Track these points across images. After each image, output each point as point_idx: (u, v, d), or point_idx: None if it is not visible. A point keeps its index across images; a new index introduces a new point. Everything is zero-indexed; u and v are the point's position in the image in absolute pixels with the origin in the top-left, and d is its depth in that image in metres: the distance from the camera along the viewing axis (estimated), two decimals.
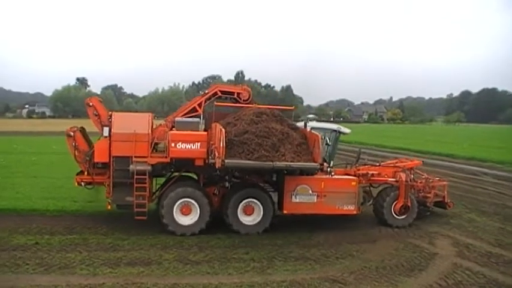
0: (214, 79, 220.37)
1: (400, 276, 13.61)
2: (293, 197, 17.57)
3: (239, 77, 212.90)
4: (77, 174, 17.90)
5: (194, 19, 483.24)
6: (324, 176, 18.03)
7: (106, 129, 17.02)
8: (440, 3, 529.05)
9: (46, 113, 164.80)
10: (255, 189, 17.92)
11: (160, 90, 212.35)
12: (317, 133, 16.81)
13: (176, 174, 18.22)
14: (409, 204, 18.78)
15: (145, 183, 16.54)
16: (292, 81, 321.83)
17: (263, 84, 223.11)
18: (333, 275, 13.43)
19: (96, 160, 17.17)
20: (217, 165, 15.54)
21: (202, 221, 17.11)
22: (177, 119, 18.03)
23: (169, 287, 12.26)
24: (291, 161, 15.92)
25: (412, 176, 20.34)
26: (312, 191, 17.62)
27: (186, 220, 17.08)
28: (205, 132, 17.20)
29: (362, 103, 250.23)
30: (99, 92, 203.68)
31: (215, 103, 18.97)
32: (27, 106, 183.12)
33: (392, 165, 20.96)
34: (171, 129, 17.44)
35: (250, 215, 17.55)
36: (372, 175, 19.67)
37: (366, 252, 15.72)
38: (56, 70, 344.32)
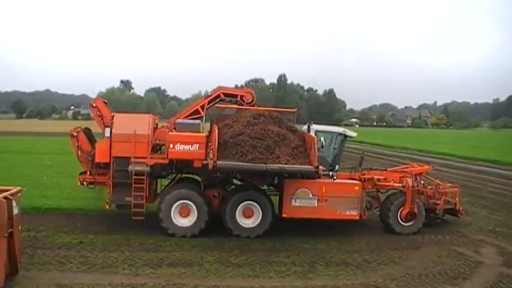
0: (256, 82, 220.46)
1: (444, 285, 13.31)
2: (293, 200, 17.27)
3: (281, 80, 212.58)
4: (80, 174, 18.19)
5: (238, 22, 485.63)
6: (326, 180, 17.79)
7: (107, 130, 17.20)
8: (488, 4, 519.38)
9: (91, 114, 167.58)
10: (253, 192, 17.69)
11: (203, 93, 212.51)
12: (313, 135, 16.87)
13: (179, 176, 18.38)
14: (416, 210, 18.25)
15: (143, 183, 16.63)
16: (335, 84, 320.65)
17: (306, 87, 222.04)
18: (375, 281, 13.26)
19: (97, 160, 17.36)
20: (210, 166, 15.80)
21: (201, 221, 17.03)
22: (177, 120, 18.27)
23: None
24: (285, 164, 15.87)
25: (422, 181, 19.91)
26: (313, 195, 17.27)
27: (185, 222, 17.05)
28: (204, 134, 17.17)
29: (406, 107, 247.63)
30: (142, 95, 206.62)
31: (216, 105, 19.19)
32: (72, 108, 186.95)
33: (399, 170, 20.57)
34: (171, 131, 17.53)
35: (249, 218, 17.36)
36: (378, 180, 19.28)
37: (409, 259, 15.46)
38: (101, 72, 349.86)
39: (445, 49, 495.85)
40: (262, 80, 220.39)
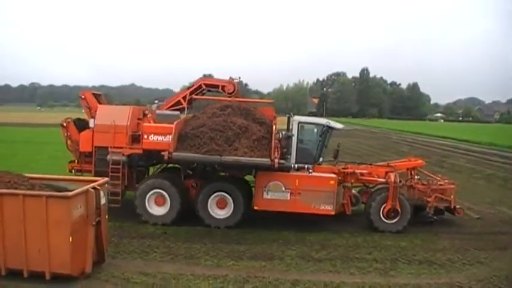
0: (338, 76, 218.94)
1: None
2: (265, 193, 17.02)
3: (364, 74, 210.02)
4: (69, 162, 18.98)
5: (319, 16, 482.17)
6: (299, 173, 17.34)
7: (92, 121, 17.93)
8: None
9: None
10: (225, 183, 17.66)
11: (284, 87, 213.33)
12: (275, 128, 16.51)
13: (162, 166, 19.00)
14: (398, 207, 17.35)
15: (119, 172, 17.21)
16: (419, 78, 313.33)
17: (389, 81, 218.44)
18: (459, 282, 12.82)
19: (81, 150, 18.20)
20: (165, 158, 16.18)
21: (172, 211, 17.23)
22: (157, 111, 18.79)
23: (291, 283, 12.24)
24: (241, 156, 15.77)
25: (418, 177, 19.07)
26: (285, 188, 16.91)
27: (160, 210, 17.26)
28: (173, 125, 17.05)
29: (493, 102, 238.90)
30: None
31: (193, 96, 19.50)
32: (156, 101, 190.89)
33: (385, 165, 19.53)
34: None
35: (223, 209, 17.31)
36: (361, 174, 18.47)
37: (496, 260, 14.83)
38: (184, 67, 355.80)
39: None
40: (344, 74, 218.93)
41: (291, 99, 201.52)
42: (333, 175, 17.38)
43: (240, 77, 20.59)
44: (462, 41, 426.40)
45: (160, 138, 16.73)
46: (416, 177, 19.01)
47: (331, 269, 13.40)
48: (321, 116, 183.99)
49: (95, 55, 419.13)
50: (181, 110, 19.55)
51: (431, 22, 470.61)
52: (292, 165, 17.46)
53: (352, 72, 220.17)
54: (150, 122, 17.69)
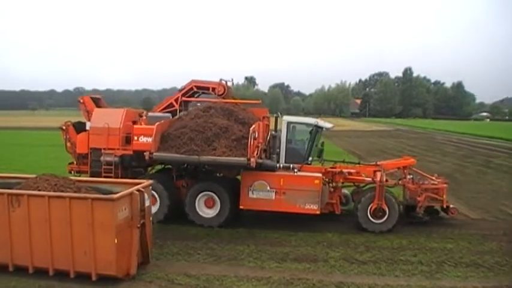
0: (381, 76, 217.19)
1: None
2: (250, 192, 17.12)
3: (407, 73, 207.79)
4: (69, 164, 19.63)
5: (361, 16, 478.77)
6: (284, 173, 17.35)
7: (88, 124, 18.76)
8: None
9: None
10: (211, 183, 17.83)
11: (326, 88, 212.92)
12: (253, 127, 16.26)
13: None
14: (384, 207, 17.02)
15: (111, 173, 17.72)
16: (464, 77, 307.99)
17: (432, 80, 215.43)
18: (509, 286, 12.50)
19: (78, 151, 18.94)
20: (146, 158, 16.49)
21: (160, 211, 17.52)
22: (149, 113, 19.21)
23: (335, 285, 12.16)
24: (219, 156, 15.99)
25: (411, 176, 18.68)
26: (270, 187, 16.98)
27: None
28: (154, 127, 17.20)
29: None
30: (266, 91, 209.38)
31: (182, 98, 19.90)
32: (198, 104, 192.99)
33: (373, 164, 19.28)
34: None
35: (211, 208, 17.52)
36: (349, 174, 18.27)
37: None
38: (226, 70, 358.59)
39: None
40: (387, 74, 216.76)
41: (333, 100, 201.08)
42: (317, 174, 17.39)
43: (232, 79, 20.99)
44: (507, 37, 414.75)
45: (147, 139, 17.00)
46: (409, 176, 18.74)
47: (375, 272, 13.23)
48: (364, 116, 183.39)
49: (137, 60, 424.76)
50: (174, 112, 19.95)
51: (477, 20, 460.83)
52: (278, 165, 17.70)
53: (395, 72, 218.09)
54: (141, 124, 18.16)
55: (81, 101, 19.72)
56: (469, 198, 23.67)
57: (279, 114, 19.13)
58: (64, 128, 19.39)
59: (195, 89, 20.30)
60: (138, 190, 12.34)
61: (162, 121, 17.34)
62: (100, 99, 20.60)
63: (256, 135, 16.37)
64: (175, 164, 18.22)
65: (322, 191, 17.07)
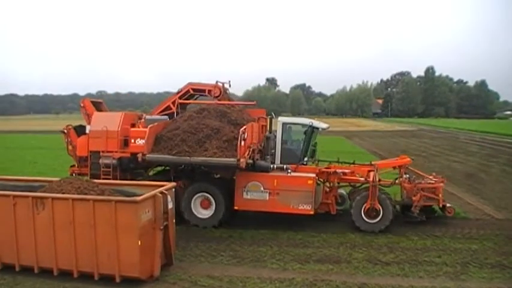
0: (403, 75, 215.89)
1: None
2: (244, 193, 17.28)
3: (429, 72, 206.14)
4: (71, 167, 19.86)
5: (381, 15, 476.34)
6: (277, 174, 17.46)
7: (88, 127, 19.00)
8: None
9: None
10: (206, 184, 17.95)
11: (348, 88, 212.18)
12: (243, 128, 16.27)
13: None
14: (377, 207, 16.93)
15: (109, 175, 17.78)
16: (487, 75, 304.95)
17: (455, 79, 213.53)
18: None
19: (78, 154, 19.20)
20: (139, 159, 16.76)
21: None
22: (147, 116, 19.38)
23: (358, 287, 12.12)
24: (210, 157, 16.19)
25: (407, 175, 18.53)
26: (264, 188, 17.11)
27: None
28: (147, 129, 17.36)
29: None
30: (287, 92, 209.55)
31: (179, 100, 19.96)
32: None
33: (367, 164, 19.10)
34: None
35: (207, 209, 17.72)
36: (344, 174, 18.23)
37: None
38: (247, 71, 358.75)
39: None
40: (409, 73, 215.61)
41: (355, 101, 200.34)
42: (311, 175, 17.42)
43: (229, 81, 20.95)
44: None
45: (143, 141, 17.17)
46: (405, 175, 18.63)
47: (399, 273, 13.13)
48: (386, 116, 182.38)
49: (160, 61, 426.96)
50: (171, 115, 20.01)
51: (500, 19, 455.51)
52: (272, 166, 17.79)
53: (417, 72, 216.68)
54: (139, 127, 18.34)
55: (82, 104, 20.05)
56: (494, 198, 23.41)
57: (273, 115, 19.45)
58: (65, 131, 19.69)
59: (191, 92, 20.46)
60: (161, 192, 12.42)
61: (156, 123, 17.62)
62: (101, 103, 21.11)
63: (246, 136, 16.44)
64: (167, 165, 18.58)
65: (315, 191, 17.19)
